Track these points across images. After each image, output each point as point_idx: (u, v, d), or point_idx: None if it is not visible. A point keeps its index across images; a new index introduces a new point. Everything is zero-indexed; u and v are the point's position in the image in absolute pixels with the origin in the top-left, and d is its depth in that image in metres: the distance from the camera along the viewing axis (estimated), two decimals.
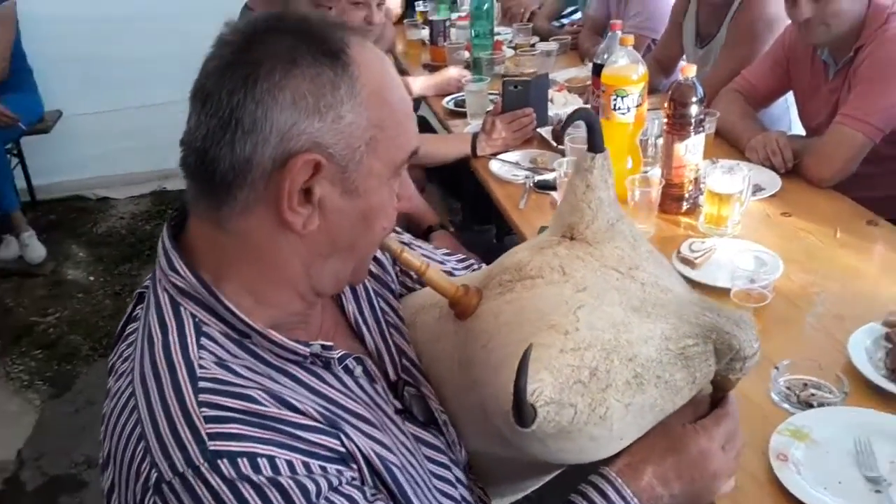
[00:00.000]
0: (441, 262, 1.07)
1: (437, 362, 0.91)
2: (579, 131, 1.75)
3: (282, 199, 0.70)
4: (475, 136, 2.12)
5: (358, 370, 0.81)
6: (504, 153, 2.09)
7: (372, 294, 0.93)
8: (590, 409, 0.73)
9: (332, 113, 0.69)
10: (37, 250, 3.45)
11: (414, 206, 2.03)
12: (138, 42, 3.78)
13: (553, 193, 1.82)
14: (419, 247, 1.06)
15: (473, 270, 1.09)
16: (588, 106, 2.22)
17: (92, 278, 3.38)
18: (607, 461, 0.80)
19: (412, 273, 0.92)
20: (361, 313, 0.91)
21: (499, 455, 0.86)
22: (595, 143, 0.86)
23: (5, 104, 3.37)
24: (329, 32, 0.72)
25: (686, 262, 1.48)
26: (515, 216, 1.79)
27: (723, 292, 1.36)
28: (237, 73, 0.68)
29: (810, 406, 1.11)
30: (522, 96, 2.14)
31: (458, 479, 0.86)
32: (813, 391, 1.13)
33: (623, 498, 0.78)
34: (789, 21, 1.94)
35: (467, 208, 3.06)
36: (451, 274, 1.04)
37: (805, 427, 1.06)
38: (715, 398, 0.86)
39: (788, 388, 1.14)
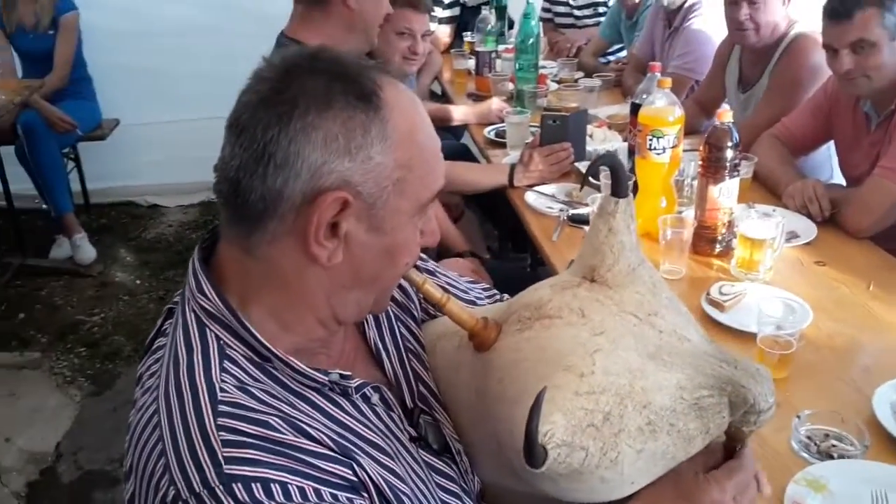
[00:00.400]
0: (465, 291, 1.08)
1: (455, 390, 0.92)
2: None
3: (309, 232, 0.71)
4: (513, 167, 2.14)
5: (375, 398, 0.83)
6: (540, 185, 2.10)
7: (394, 320, 0.95)
8: (601, 452, 0.73)
9: (363, 154, 0.71)
10: (87, 252, 3.55)
11: (444, 232, 2.05)
12: (194, 58, 3.90)
13: (586, 228, 1.83)
14: (444, 275, 1.06)
15: (496, 301, 1.10)
16: (626, 144, 2.23)
17: (138, 282, 3.47)
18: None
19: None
20: (382, 339, 0.92)
21: (511, 487, 0.87)
22: (619, 188, 0.87)
23: (64, 110, 3.49)
24: (363, 74, 0.73)
25: (715, 304, 1.47)
26: (548, 248, 1.80)
27: (749, 337, 1.35)
28: (272, 110, 0.70)
29: (830, 457, 1.10)
30: (560, 131, 2.16)
31: None
32: (834, 442, 1.12)
33: None
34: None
35: (504, 236, 3.07)
36: (473, 303, 1.05)
37: (823, 478, 1.05)
38: (729, 447, 0.86)
39: (809, 437, 1.13)
